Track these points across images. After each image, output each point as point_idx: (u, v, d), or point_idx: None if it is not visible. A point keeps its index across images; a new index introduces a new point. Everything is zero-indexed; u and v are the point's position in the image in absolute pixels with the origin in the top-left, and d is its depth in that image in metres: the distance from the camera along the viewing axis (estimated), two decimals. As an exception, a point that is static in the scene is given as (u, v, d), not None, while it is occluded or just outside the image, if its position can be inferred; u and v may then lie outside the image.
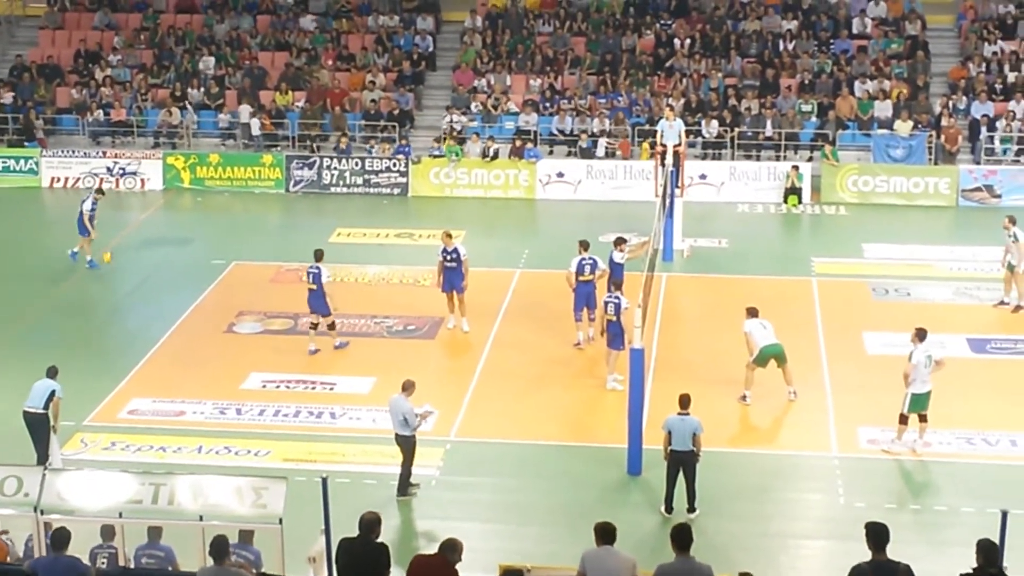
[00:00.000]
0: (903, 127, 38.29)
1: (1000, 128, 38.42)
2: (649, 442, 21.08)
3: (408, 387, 20.35)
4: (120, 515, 15.06)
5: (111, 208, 36.21)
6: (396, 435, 20.45)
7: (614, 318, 24.07)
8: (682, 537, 13.64)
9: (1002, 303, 28.52)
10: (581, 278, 26.22)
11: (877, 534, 13.52)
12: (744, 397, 24.03)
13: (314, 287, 26.26)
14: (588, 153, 38.54)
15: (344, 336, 27.20)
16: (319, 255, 26.69)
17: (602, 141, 38.72)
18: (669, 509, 20.00)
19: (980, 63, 40.87)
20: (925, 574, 13.52)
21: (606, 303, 24.35)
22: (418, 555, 14.26)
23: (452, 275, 26.97)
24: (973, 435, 22.43)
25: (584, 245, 26.66)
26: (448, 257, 26.91)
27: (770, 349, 23.94)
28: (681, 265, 31.58)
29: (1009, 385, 24.61)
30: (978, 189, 36.77)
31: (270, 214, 37.48)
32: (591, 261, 26.33)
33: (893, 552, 13.55)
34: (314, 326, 26.46)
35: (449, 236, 27.31)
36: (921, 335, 22.02)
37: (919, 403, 21.70)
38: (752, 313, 24.29)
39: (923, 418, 21.85)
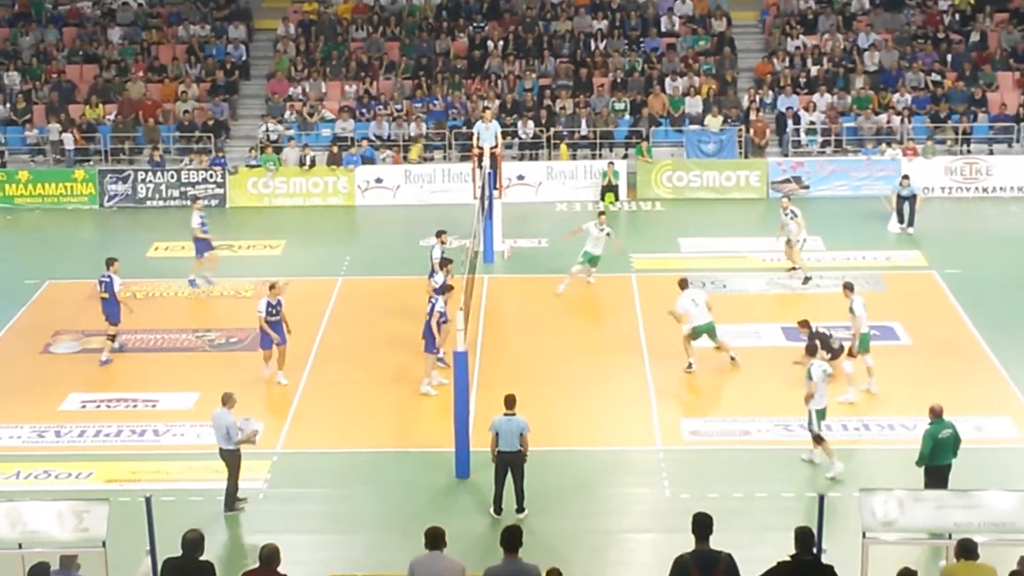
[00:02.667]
0: (713, 122, 39.14)
1: (805, 120, 39.48)
2: (476, 445, 21.20)
3: (227, 400, 20.13)
4: (-65, 548, 14.66)
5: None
6: (220, 449, 20.22)
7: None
8: (511, 539, 13.76)
9: (794, 269, 30.26)
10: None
11: (700, 524, 13.81)
12: (690, 366, 25.13)
13: (106, 296, 26.30)
14: (369, 160, 38.43)
15: (166, 352, 26.90)
16: (110, 263, 26.69)
17: (386, 153, 38.77)
18: (498, 510, 20.12)
19: (784, 58, 41.95)
20: (746, 561, 13.82)
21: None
22: (245, 572, 14.16)
23: (277, 328, 25.19)
24: (791, 422, 22.94)
25: (444, 264, 26.83)
26: (273, 311, 24.99)
27: (703, 327, 25.08)
28: (502, 266, 31.80)
29: (823, 371, 25.31)
30: (787, 180, 37.73)
31: (84, 230, 36.73)
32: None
33: (717, 541, 13.85)
34: (112, 337, 26.49)
35: (274, 287, 25.44)
36: (812, 351, 22.00)
37: (824, 417, 21.40)
38: (683, 284, 25.55)
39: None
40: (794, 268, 30.36)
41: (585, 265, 29.41)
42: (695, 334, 25.25)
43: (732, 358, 25.50)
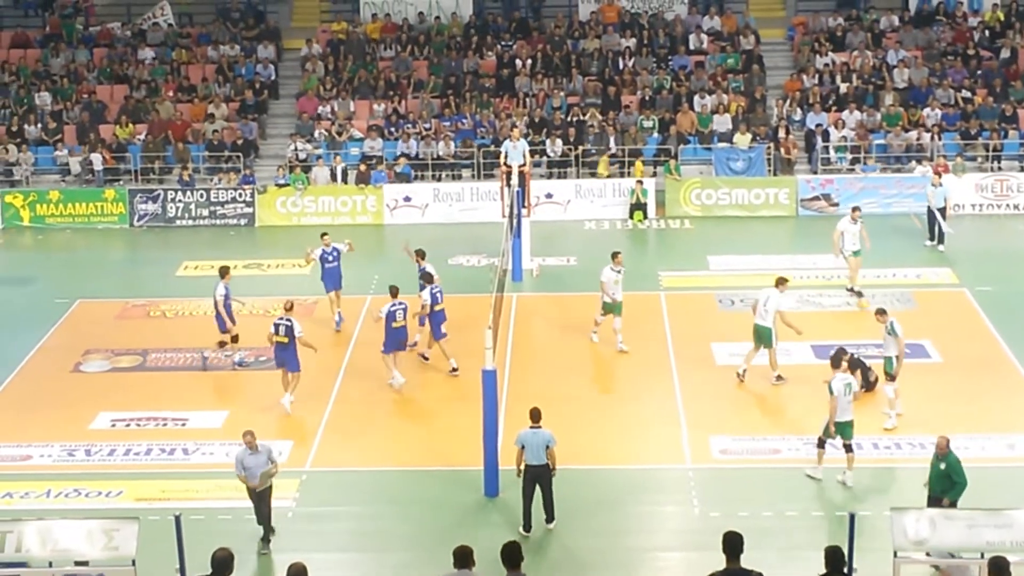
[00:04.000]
0: (742, 140, 39.06)
1: (835, 138, 39.36)
2: (505, 463, 21.17)
3: (244, 437, 19.86)
4: (-35, 566, 14.70)
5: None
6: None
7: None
8: (511, 555, 13.73)
9: (853, 291, 29.99)
10: (436, 307, 26.31)
11: (731, 543, 13.76)
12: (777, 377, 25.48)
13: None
14: (403, 177, 38.56)
15: (195, 371, 27.01)
16: (223, 272, 27.37)
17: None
18: (527, 527, 20.08)
19: (813, 75, 41.87)
20: (777, 580, 13.78)
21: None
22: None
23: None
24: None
25: (428, 278, 26.76)
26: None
27: (756, 327, 25.34)
28: (531, 284, 31.78)
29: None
30: (816, 198, 37.63)
31: (114, 250, 36.90)
32: (439, 289, 26.50)
33: (747, 559, 13.80)
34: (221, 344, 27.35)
35: (292, 308, 25.35)
36: (836, 363, 22.00)
37: (844, 431, 21.41)
38: (779, 283, 25.85)
39: (848, 448, 21.52)
40: (852, 289, 30.12)
41: (610, 316, 27.38)
42: (755, 333, 25.40)
43: (778, 376, 25.40)
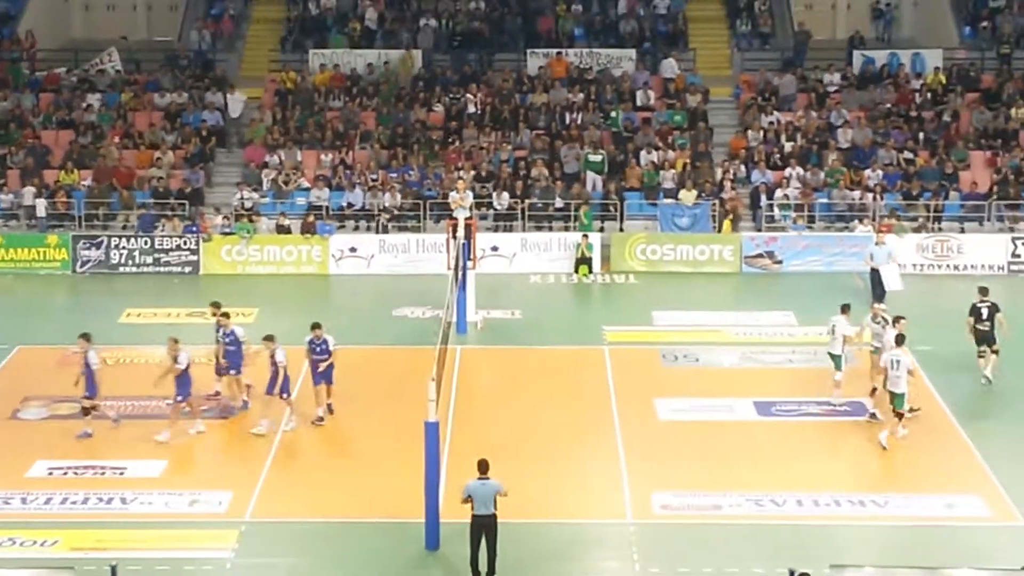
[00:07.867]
0: (687, 196, 39.31)
1: (778, 196, 39.68)
2: (447, 516, 21.09)
3: None
4: None
5: None
6: None
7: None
8: None
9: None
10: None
11: None
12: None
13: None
14: (386, 230, 38.74)
15: (135, 419, 26.74)
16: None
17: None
18: (476, 574, 20.03)
19: (759, 132, 42.25)
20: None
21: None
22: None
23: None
24: (762, 497, 22.92)
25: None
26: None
27: (829, 355, 27.29)
28: (475, 337, 31.75)
29: (794, 446, 25.30)
30: (760, 256, 37.92)
31: (56, 296, 36.63)
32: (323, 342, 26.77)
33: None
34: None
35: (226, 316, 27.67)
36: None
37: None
38: (844, 310, 27.30)
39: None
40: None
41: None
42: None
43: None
